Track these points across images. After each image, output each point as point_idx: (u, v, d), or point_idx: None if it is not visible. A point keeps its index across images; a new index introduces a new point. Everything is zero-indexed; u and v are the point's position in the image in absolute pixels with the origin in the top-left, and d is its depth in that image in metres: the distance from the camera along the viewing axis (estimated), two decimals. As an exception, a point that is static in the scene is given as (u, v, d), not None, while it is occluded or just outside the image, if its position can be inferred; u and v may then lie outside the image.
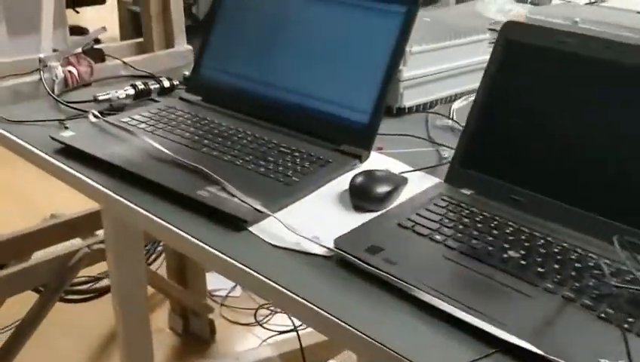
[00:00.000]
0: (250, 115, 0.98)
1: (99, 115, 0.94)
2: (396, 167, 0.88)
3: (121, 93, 1.05)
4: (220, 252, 0.69)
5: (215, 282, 1.88)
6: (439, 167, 0.88)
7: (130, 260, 1.27)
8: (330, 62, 0.93)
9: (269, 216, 0.73)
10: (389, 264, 0.64)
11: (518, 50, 0.80)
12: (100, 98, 1.02)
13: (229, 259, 0.69)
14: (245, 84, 1.00)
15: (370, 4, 0.91)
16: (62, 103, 1.02)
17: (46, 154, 0.87)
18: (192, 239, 0.71)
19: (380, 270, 0.62)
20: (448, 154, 0.90)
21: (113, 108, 1.02)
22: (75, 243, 1.41)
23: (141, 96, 1.07)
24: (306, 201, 0.78)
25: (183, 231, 0.72)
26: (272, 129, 0.94)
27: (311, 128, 0.93)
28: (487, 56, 1.21)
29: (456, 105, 1.13)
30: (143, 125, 0.93)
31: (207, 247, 0.70)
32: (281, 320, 1.81)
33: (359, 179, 0.79)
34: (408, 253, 0.66)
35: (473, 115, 0.82)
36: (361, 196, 0.77)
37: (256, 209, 0.73)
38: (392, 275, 0.61)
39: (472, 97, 1.19)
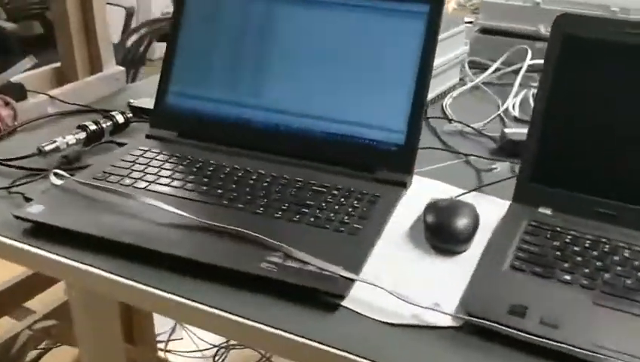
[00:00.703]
0: (250, 148, 0.80)
1: (63, 173, 0.72)
2: (443, 189, 0.76)
3: (70, 139, 0.82)
4: (317, 342, 0.53)
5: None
6: (487, 182, 0.78)
7: (105, 336, 1.04)
8: (347, 76, 0.79)
9: (355, 282, 0.58)
10: (549, 328, 0.52)
11: (580, 44, 0.71)
12: (47, 149, 0.79)
13: (331, 349, 0.53)
14: (237, 110, 0.82)
15: (385, 5, 0.78)
16: (2, 164, 0.78)
17: (12, 239, 0.65)
18: (273, 330, 0.55)
19: (545, 339, 0.51)
20: (500, 168, 0.80)
21: (69, 160, 0.79)
22: (5, 323, 1.14)
23: (94, 140, 0.85)
24: (378, 253, 0.64)
25: (256, 322, 0.55)
26: (287, 163, 0.78)
27: (335, 157, 0.78)
28: (466, 49, 1.16)
29: (446, 105, 1.04)
30: (127, 180, 0.73)
31: (296, 338, 0.54)
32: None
33: (432, 217, 0.66)
34: (555, 307, 0.55)
35: (537, 122, 0.72)
36: (444, 237, 0.65)
37: (342, 276, 0.58)
38: (568, 344, 0.50)
39: (456, 94, 1.12)
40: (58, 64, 1.04)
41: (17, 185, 0.73)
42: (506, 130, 0.88)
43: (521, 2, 1.18)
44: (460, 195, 0.74)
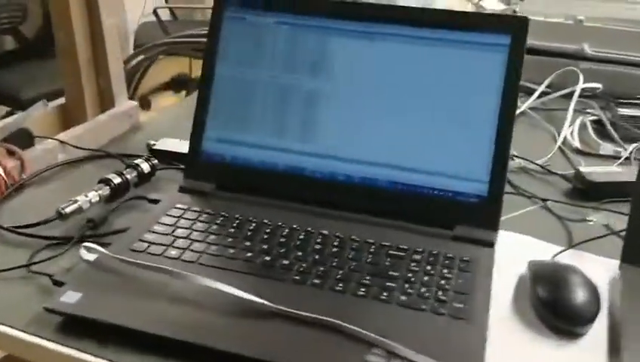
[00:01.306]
0: (304, 201, 0.70)
1: (95, 246, 0.60)
2: (532, 245, 0.67)
3: (93, 197, 0.70)
4: None
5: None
6: (577, 232, 0.69)
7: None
8: (418, 118, 0.68)
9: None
10: None
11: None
12: (68, 211, 0.68)
13: None
14: (286, 158, 0.71)
15: (459, 38, 0.68)
16: (15, 232, 0.66)
17: (43, 338, 0.53)
18: None
19: None
20: (595, 219, 0.71)
21: (95, 223, 0.68)
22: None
23: (119, 194, 0.73)
24: (491, 339, 0.54)
25: None
26: (349, 219, 0.67)
27: (405, 211, 0.68)
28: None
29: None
30: (173, 251, 0.61)
31: None
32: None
33: (545, 291, 0.56)
34: None
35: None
36: (566, 318, 0.54)
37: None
38: None
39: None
40: (61, 100, 0.92)
41: (39, 262, 0.61)
42: (583, 170, 0.79)
43: (563, 19, 1.09)
44: (557, 254, 0.65)
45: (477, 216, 0.66)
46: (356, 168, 0.70)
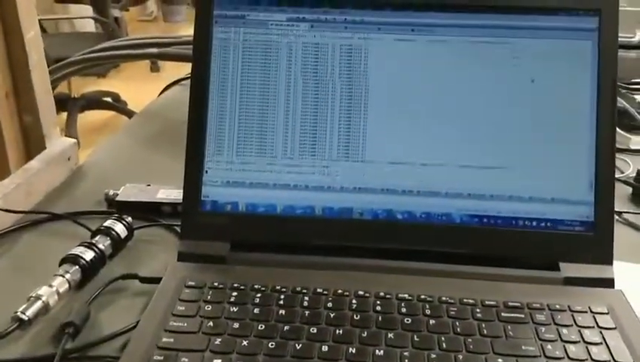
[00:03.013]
0: (350, 253, 0.52)
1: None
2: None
3: (60, 285, 0.48)
4: None
5: None
6: None
7: None
8: (495, 131, 0.52)
9: None
10: None
11: None
12: (30, 314, 0.45)
13: None
14: (324, 198, 0.53)
15: (531, 24, 0.53)
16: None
17: None
18: None
19: None
20: None
21: (77, 328, 0.45)
22: None
23: (90, 275, 0.51)
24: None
25: None
26: (420, 271, 0.50)
27: (493, 252, 0.52)
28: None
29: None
30: (216, 359, 0.42)
31: None
32: None
33: None
34: None
35: None
36: None
37: None
38: None
39: None
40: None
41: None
42: (646, 170, 0.68)
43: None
44: (691, 285, 0.52)
45: (586, 247, 0.52)
46: (420, 202, 0.53)
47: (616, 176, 0.69)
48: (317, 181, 0.54)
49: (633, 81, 0.95)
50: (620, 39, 1.06)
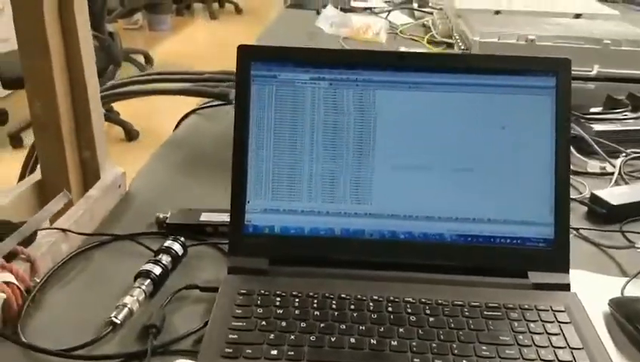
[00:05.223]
0: (361, 265, 0.66)
1: None
2: (596, 281, 0.68)
3: (138, 294, 0.61)
4: None
5: None
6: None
7: None
8: (476, 166, 0.67)
9: None
10: None
11: None
12: (121, 318, 0.59)
13: None
14: (341, 222, 0.67)
15: (504, 82, 0.68)
16: (66, 356, 0.55)
17: None
18: None
19: None
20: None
21: (158, 329, 0.59)
22: None
23: (158, 285, 0.65)
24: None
25: None
26: (420, 280, 0.64)
27: (476, 264, 0.66)
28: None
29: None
30: (274, 351, 0.54)
31: None
32: None
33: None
34: None
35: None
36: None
37: None
38: None
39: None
40: (37, 176, 0.79)
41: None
42: (598, 193, 0.82)
43: (515, 40, 1.14)
44: (625, 286, 0.67)
45: (548, 259, 0.67)
46: (418, 224, 0.67)
47: (574, 196, 0.85)
48: (337, 208, 0.67)
49: (591, 110, 1.10)
50: (579, 72, 1.22)
